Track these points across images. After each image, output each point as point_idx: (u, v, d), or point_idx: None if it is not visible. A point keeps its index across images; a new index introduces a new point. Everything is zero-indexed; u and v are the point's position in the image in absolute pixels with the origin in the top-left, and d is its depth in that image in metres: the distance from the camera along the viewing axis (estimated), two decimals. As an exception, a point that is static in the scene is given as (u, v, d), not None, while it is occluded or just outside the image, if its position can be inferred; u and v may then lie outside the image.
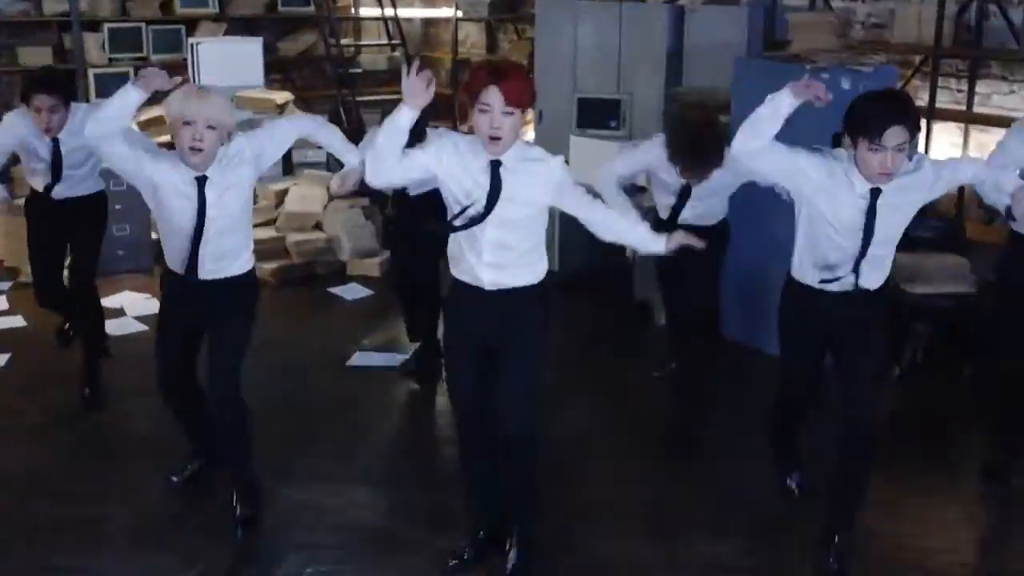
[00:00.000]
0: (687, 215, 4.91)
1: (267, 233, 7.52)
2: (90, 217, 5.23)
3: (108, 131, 3.66)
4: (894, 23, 7.04)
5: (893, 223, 3.68)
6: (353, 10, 10.41)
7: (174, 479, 4.45)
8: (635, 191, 5.51)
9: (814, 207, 3.71)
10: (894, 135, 3.44)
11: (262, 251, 6.43)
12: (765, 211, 4.80)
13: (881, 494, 4.21)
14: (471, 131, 3.49)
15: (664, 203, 5.03)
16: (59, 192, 5.10)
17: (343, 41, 9.70)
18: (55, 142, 4.96)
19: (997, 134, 4.90)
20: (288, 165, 8.47)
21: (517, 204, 3.48)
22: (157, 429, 4.85)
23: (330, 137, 4.40)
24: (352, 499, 4.45)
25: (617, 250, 5.18)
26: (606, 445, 4.97)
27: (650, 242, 3.73)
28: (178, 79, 3.68)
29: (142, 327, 6.34)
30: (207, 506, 4.32)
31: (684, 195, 4.86)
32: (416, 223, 5.06)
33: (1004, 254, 4.53)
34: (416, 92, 3.31)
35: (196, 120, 3.63)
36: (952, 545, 4.16)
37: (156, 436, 4.86)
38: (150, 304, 6.56)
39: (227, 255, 3.92)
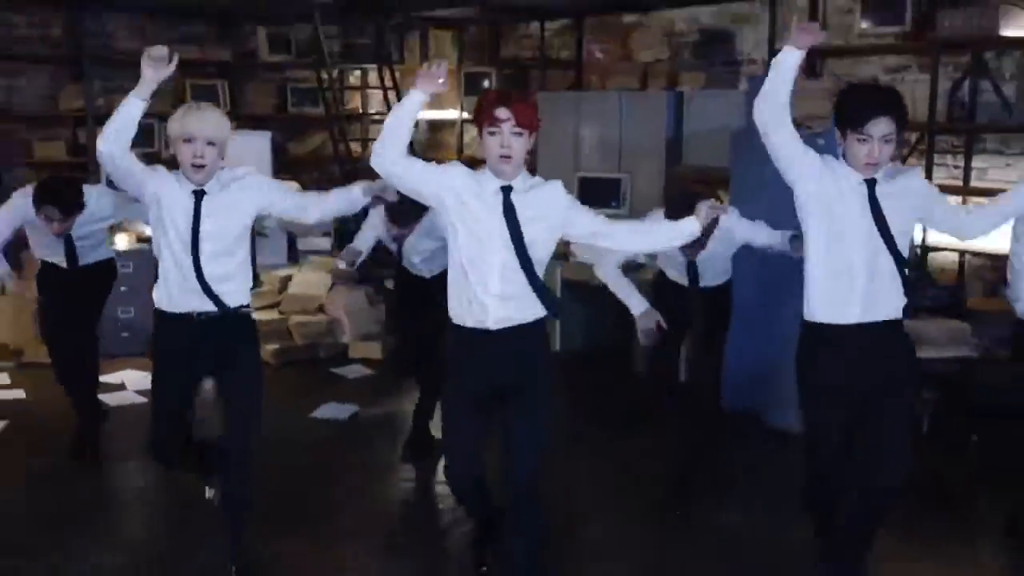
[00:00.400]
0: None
1: (270, 315, 7.56)
2: (100, 283, 5.42)
3: (120, 145, 3.70)
4: (889, 103, 7.13)
5: (896, 223, 3.54)
6: (361, 110, 10.66)
7: (208, 493, 4.47)
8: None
9: (820, 203, 3.56)
10: (880, 125, 3.46)
11: (265, 332, 6.40)
12: (768, 278, 4.79)
13: (898, 562, 4.20)
14: None
15: (672, 273, 5.04)
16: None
17: (351, 139, 9.90)
18: (68, 236, 5.11)
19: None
20: (293, 252, 8.59)
21: (530, 227, 3.50)
22: (154, 483, 5.04)
23: (333, 205, 4.17)
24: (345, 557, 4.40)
25: (619, 326, 5.06)
26: (607, 510, 4.88)
27: (684, 229, 3.73)
28: (173, 55, 3.68)
29: (142, 399, 6.33)
30: (200, 556, 4.28)
31: (693, 271, 4.88)
32: (426, 300, 5.08)
33: None
34: (430, 83, 3.42)
35: (196, 137, 3.72)
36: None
37: (152, 489, 5.05)
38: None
39: (225, 278, 3.85)
